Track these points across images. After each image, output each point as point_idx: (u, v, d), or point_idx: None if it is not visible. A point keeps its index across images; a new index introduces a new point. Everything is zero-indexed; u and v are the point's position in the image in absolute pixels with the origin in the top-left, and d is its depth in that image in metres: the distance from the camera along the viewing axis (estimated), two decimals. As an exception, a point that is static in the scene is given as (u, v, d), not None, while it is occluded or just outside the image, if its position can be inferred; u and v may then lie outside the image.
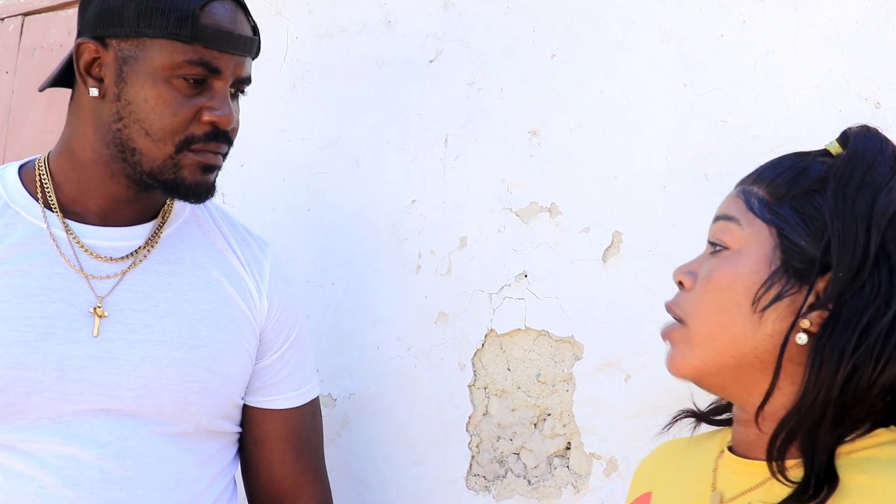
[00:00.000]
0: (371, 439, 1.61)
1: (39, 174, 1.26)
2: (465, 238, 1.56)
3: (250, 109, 1.77)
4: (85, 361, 1.19)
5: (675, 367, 0.98)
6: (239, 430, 1.34)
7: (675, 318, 0.99)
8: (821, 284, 0.92)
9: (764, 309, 0.92)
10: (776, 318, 0.92)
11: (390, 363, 1.60)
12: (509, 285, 1.51)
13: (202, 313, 1.25)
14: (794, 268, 0.92)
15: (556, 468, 1.47)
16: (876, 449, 0.91)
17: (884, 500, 0.85)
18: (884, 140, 0.97)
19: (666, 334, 1.00)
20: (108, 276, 1.22)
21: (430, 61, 1.61)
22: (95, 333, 1.19)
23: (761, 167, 1.00)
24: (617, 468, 1.42)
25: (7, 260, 1.20)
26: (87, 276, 1.21)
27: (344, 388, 1.63)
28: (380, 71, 1.66)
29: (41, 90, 1.28)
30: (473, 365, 1.53)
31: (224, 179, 1.81)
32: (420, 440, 1.56)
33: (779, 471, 0.91)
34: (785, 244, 0.93)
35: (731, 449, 1.00)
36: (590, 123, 1.47)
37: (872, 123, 1.34)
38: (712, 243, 0.98)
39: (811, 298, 0.91)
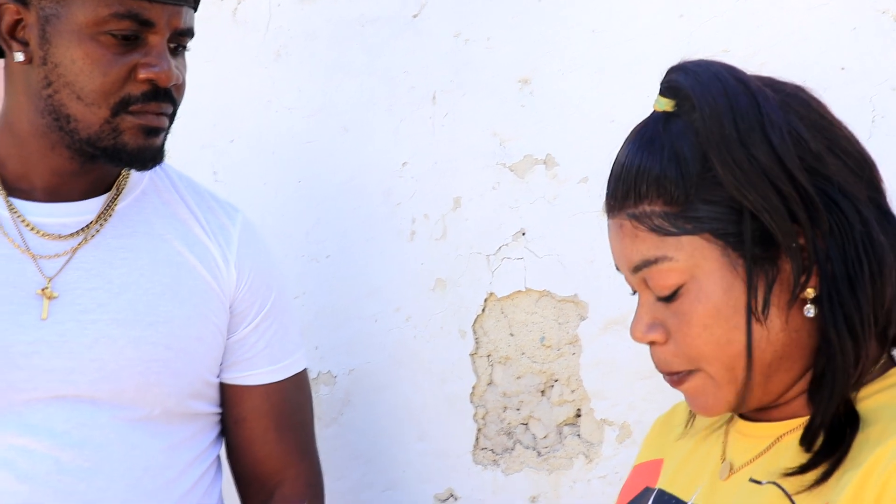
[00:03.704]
0: (374, 416, 1.54)
1: None
2: (459, 198, 1.48)
3: (235, 83, 1.71)
4: (33, 346, 1.12)
5: (712, 410, 0.88)
6: (218, 410, 1.27)
7: (679, 373, 0.88)
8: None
9: (765, 311, 0.83)
10: (776, 311, 0.83)
11: (389, 335, 1.53)
12: (507, 245, 1.44)
13: (161, 287, 1.18)
14: (753, 255, 0.83)
15: (566, 437, 1.40)
16: (888, 392, 0.82)
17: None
18: (715, 68, 0.85)
19: (684, 388, 0.88)
20: (58, 255, 1.16)
21: (414, 16, 1.53)
22: (44, 316, 1.13)
23: (612, 181, 0.88)
24: (630, 434, 1.34)
25: None
26: (34, 257, 1.15)
27: (343, 364, 1.57)
28: (363, 31, 1.59)
29: None
30: (474, 332, 1.46)
31: (215, 157, 1.75)
32: (424, 414, 1.50)
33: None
34: (729, 240, 0.83)
35: (741, 414, 0.92)
36: (583, 66, 1.39)
37: (892, 39, 1.26)
38: (662, 298, 0.86)
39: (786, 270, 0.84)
